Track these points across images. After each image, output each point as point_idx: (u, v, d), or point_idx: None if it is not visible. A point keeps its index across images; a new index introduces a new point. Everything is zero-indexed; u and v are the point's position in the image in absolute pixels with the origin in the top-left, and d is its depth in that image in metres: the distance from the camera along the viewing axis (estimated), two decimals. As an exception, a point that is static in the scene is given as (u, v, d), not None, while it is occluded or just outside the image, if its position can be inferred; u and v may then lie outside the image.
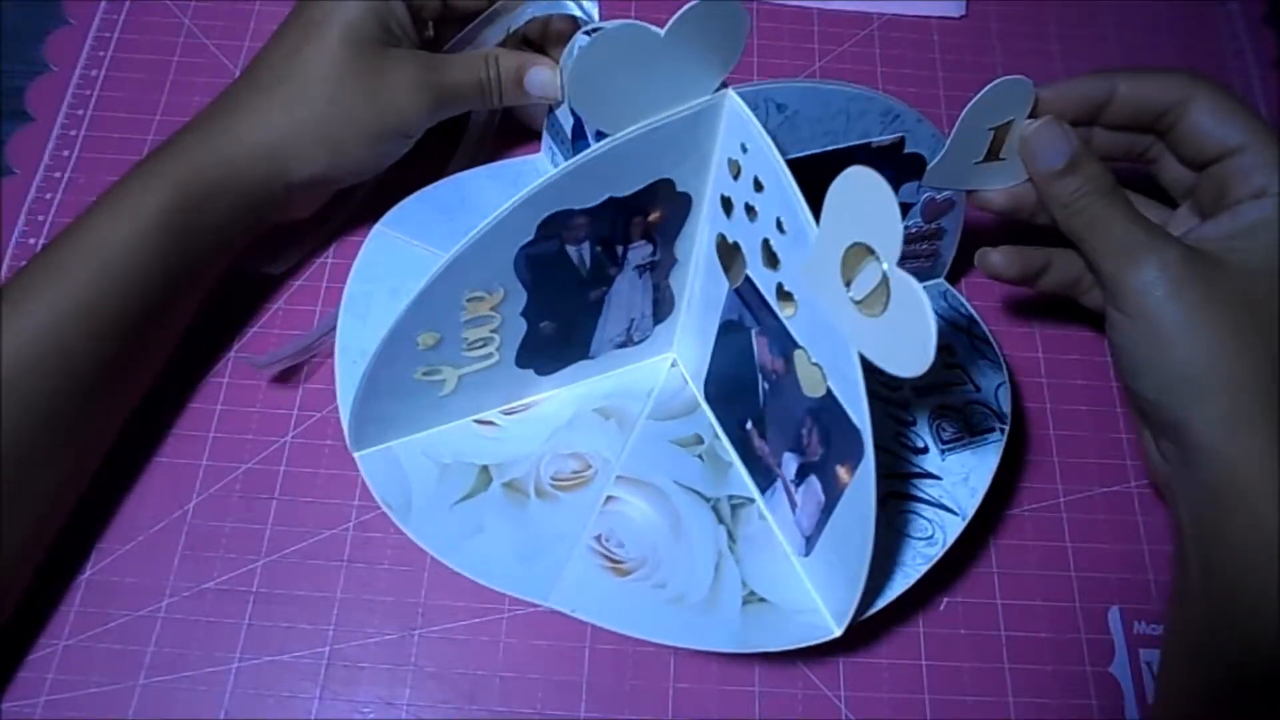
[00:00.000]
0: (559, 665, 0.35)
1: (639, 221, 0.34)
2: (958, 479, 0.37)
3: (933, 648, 0.36)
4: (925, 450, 0.38)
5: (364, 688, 0.35)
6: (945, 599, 0.37)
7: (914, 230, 0.39)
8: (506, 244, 0.32)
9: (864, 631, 0.36)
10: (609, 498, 0.36)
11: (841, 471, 0.31)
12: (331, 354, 0.38)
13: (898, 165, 0.35)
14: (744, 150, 0.31)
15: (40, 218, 0.42)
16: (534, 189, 0.30)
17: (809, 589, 0.34)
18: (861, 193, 0.26)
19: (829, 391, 0.30)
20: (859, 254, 0.27)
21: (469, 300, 0.33)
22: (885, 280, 0.25)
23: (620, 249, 0.35)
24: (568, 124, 0.40)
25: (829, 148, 0.33)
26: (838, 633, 0.33)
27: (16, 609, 0.34)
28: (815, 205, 0.29)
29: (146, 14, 0.47)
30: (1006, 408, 0.38)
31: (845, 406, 0.29)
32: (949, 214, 0.39)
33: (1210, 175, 0.35)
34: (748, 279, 0.33)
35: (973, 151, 0.35)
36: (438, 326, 0.33)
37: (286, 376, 0.39)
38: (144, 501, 0.37)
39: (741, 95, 0.31)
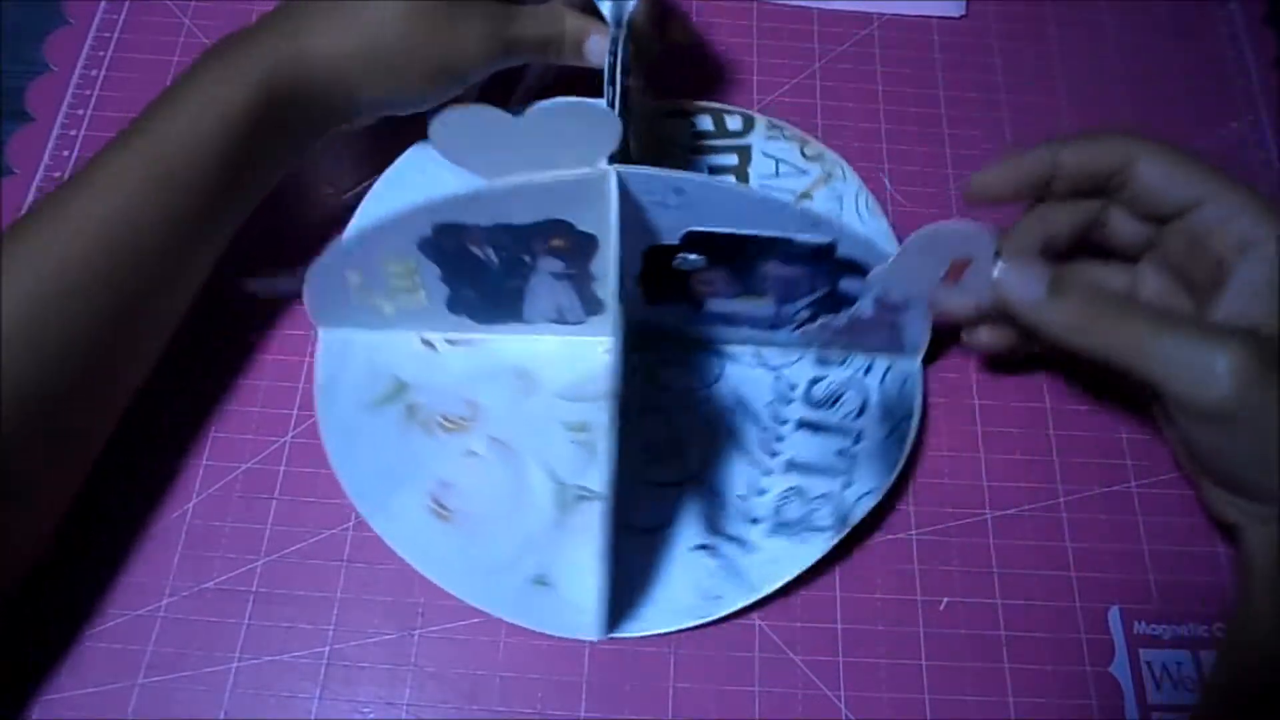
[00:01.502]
0: (559, 665, 0.35)
1: (541, 244, 0.35)
2: (766, 558, 0.36)
3: (933, 648, 0.36)
4: (755, 521, 0.37)
5: (364, 688, 0.35)
6: (945, 599, 0.37)
7: (866, 316, 0.38)
8: (407, 234, 0.34)
9: (863, 631, 0.36)
10: (471, 451, 0.38)
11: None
12: None
13: (831, 264, 0.35)
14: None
15: (40, 218, 0.42)
16: (425, 204, 0.33)
17: (595, 590, 0.34)
18: None
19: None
20: None
21: (388, 264, 0.36)
22: None
23: (527, 258, 0.36)
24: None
25: (743, 232, 0.34)
26: (592, 637, 0.35)
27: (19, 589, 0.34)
28: (738, 269, 0.34)
29: (146, 14, 0.47)
30: (855, 517, 0.37)
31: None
32: (905, 310, 0.37)
33: (1175, 231, 0.34)
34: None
35: (926, 273, 0.34)
36: (365, 272, 0.36)
37: (280, 303, 0.40)
38: (144, 501, 0.37)
39: (634, 176, 0.32)
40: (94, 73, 0.46)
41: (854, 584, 0.37)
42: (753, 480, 0.38)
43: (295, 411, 0.39)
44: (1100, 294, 0.33)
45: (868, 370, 0.39)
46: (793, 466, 0.38)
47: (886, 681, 0.35)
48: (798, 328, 0.38)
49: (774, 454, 0.38)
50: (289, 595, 0.36)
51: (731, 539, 0.37)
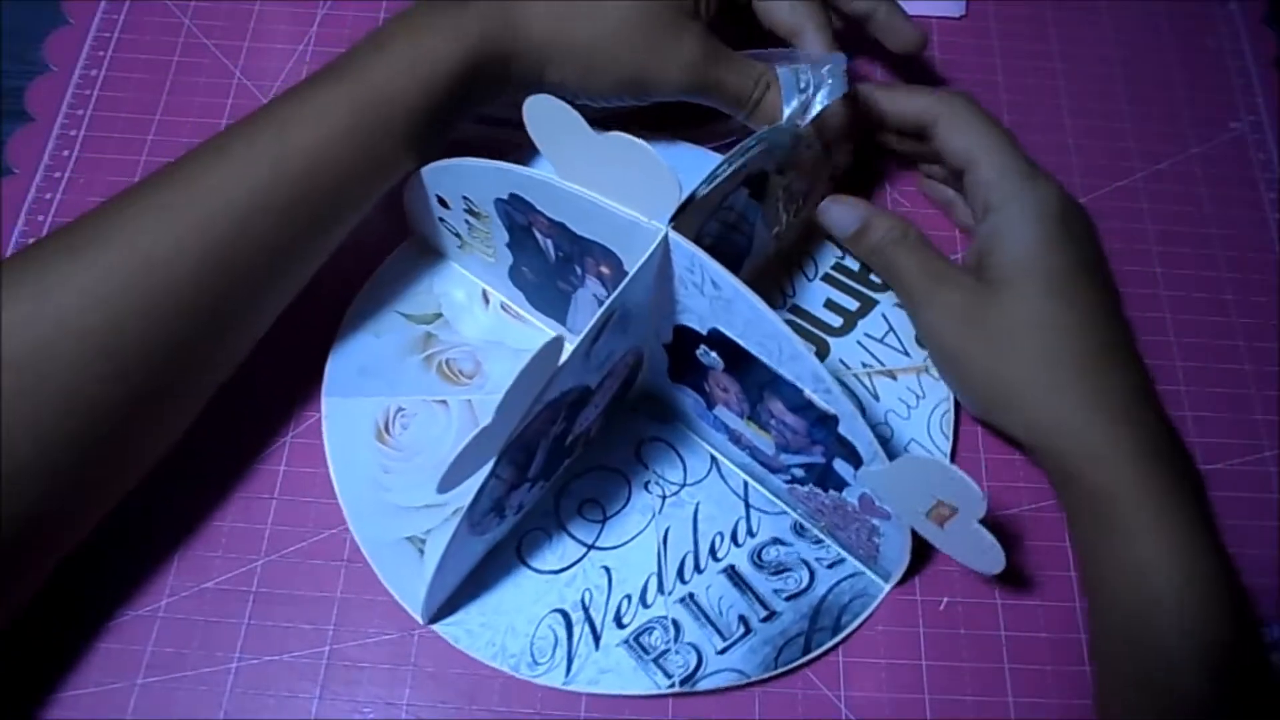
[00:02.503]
0: (559, 665, 0.35)
1: (591, 262, 0.35)
2: (600, 663, 0.35)
3: (933, 648, 0.36)
4: (620, 625, 0.36)
5: (364, 688, 0.35)
6: (945, 599, 0.37)
7: (852, 509, 0.35)
8: (485, 186, 0.35)
9: (864, 631, 0.36)
10: (444, 401, 0.39)
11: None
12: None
13: (832, 436, 0.32)
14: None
15: (40, 218, 0.42)
16: (505, 166, 0.33)
17: (428, 577, 0.34)
18: None
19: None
20: None
21: (470, 205, 0.37)
22: None
23: (578, 269, 0.36)
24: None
25: (763, 359, 0.32)
26: (419, 620, 0.35)
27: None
28: (748, 390, 0.33)
29: (146, 14, 0.47)
30: (700, 684, 0.34)
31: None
32: (889, 520, 0.34)
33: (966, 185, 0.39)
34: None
35: (913, 498, 0.31)
36: (452, 200, 0.37)
37: None
38: (144, 501, 0.37)
39: (680, 249, 0.31)
40: (94, 73, 0.46)
41: (854, 584, 0.37)
42: (646, 589, 0.36)
43: (295, 411, 0.39)
44: (893, 234, 0.39)
45: (833, 564, 0.37)
46: (689, 602, 0.36)
47: (886, 681, 0.35)
48: (790, 482, 0.36)
49: (683, 580, 0.36)
50: (289, 595, 0.36)
51: (591, 625, 0.35)
